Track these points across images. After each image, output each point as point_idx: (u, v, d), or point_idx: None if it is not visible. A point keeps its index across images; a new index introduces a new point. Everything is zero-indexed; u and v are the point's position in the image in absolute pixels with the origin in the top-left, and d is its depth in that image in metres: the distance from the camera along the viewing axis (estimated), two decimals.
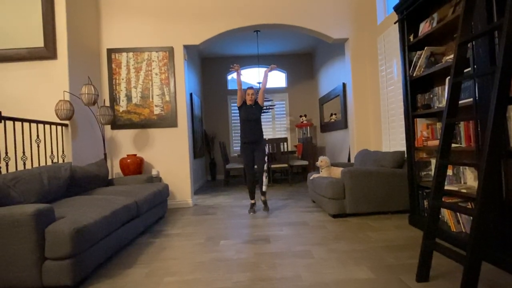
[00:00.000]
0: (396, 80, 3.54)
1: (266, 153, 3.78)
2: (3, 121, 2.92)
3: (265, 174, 3.67)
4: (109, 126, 4.10)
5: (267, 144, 5.67)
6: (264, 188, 3.62)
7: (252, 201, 3.67)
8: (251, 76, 8.73)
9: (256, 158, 3.58)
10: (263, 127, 7.71)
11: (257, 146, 3.59)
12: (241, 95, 3.58)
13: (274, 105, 7.08)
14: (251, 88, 3.57)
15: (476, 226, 1.49)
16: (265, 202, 3.68)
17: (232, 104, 7.78)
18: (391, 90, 3.66)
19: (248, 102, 3.63)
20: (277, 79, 8.13)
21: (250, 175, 3.63)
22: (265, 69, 3.72)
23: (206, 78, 7.72)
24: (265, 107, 6.43)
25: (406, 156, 2.89)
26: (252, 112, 3.60)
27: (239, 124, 3.63)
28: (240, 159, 7.34)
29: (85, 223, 1.88)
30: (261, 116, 3.67)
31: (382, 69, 3.86)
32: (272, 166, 5.63)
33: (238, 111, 3.70)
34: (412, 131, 2.71)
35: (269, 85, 7.96)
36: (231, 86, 7.99)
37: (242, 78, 8.95)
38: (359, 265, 1.98)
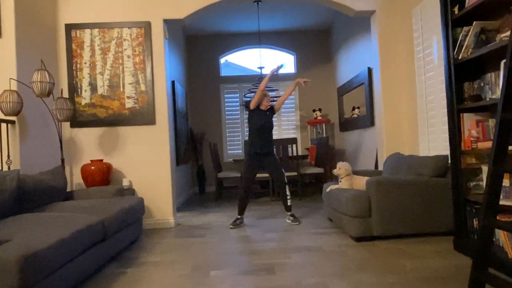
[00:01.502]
0: (437, 64, 3.54)
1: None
2: None
3: (287, 187, 3.99)
4: (68, 124, 4.11)
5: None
6: (289, 202, 4.01)
7: (239, 216, 3.99)
8: (251, 59, 8.76)
9: (272, 171, 3.99)
10: None
11: (267, 158, 3.98)
12: (260, 98, 3.94)
13: (280, 96, 7.08)
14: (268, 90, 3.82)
15: None
16: (293, 216, 4.02)
17: (226, 96, 7.80)
18: (430, 77, 3.66)
19: (263, 107, 3.97)
20: (284, 63, 8.14)
21: (245, 191, 3.96)
22: (300, 79, 4.00)
23: (193, 62, 7.75)
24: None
25: (450, 161, 2.88)
26: (268, 119, 3.98)
27: (248, 130, 4.02)
28: (237, 166, 7.35)
29: (36, 248, 1.88)
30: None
31: (419, 50, 3.87)
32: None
33: (248, 114, 4.03)
34: (457, 130, 2.71)
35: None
36: (225, 72, 8.02)
37: (242, 62, 9.00)
38: None
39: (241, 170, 6.26)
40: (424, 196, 3.12)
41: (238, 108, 7.77)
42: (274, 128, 7.69)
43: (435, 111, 3.60)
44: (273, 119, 4.06)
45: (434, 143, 3.63)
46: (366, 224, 3.12)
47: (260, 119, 3.96)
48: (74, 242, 2.20)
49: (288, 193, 4.02)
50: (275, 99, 6.54)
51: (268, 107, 4.02)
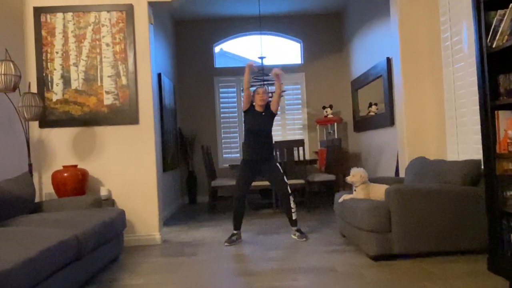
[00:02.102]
0: (467, 53, 3.54)
1: (282, 170, 4.13)
2: None
3: (292, 199, 4.02)
4: (36, 123, 4.11)
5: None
6: (294, 216, 4.02)
7: (235, 232, 4.02)
8: (250, 47, 8.78)
9: (272, 180, 4.04)
10: None
11: (265, 165, 4.01)
12: (248, 95, 3.99)
13: (284, 91, 7.10)
14: (261, 86, 3.81)
15: None
16: (299, 231, 4.03)
17: (222, 89, 7.80)
18: (460, 69, 3.66)
19: (258, 107, 3.98)
20: (289, 52, 8.17)
21: (240, 200, 3.98)
22: (273, 69, 3.99)
23: (183, 52, 7.76)
24: (270, 98, 6.41)
25: (483, 167, 2.87)
26: (263, 121, 3.96)
27: (244, 134, 4.09)
28: (233, 173, 7.34)
29: None
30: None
31: (446, 37, 3.86)
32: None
33: (243, 114, 4.09)
34: (491, 130, 2.70)
35: (278, 61, 8.00)
36: (219, 63, 8.03)
37: (240, 52, 9.00)
38: None
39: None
40: (453, 208, 3.11)
41: (235, 105, 7.77)
42: (277, 128, 7.70)
43: (465, 109, 3.60)
44: (273, 120, 4.04)
45: (464, 145, 3.62)
46: (386, 241, 3.10)
47: (253, 120, 3.98)
48: (43, 262, 2.19)
49: (293, 205, 4.03)
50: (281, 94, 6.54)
51: (264, 106, 3.99)
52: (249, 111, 4.02)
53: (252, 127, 3.97)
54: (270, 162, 4.03)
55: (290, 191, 4.04)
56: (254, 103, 4.03)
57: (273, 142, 4.13)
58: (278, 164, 4.10)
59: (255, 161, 4.00)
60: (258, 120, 3.97)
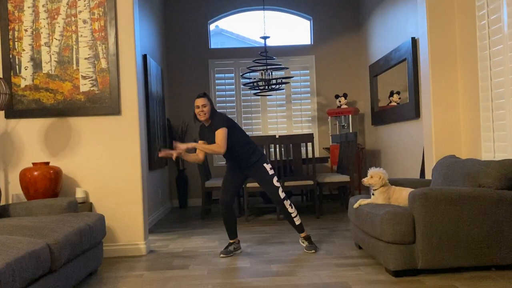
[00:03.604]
0: (507, 34, 3.52)
1: (271, 171, 4.03)
2: None
3: (288, 202, 4.00)
4: (1, 113, 4.09)
5: (277, 146, 5.68)
6: (297, 221, 4.00)
7: (231, 241, 4.05)
8: (251, 25, 8.74)
9: (261, 185, 4.06)
10: (269, 114, 7.77)
11: (250, 171, 4.03)
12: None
13: (291, 77, 7.08)
14: (202, 96, 3.87)
15: None
16: (307, 239, 4.04)
17: (218, 75, 7.79)
18: (498, 52, 3.64)
19: (201, 119, 3.93)
20: (297, 31, 8.13)
21: (225, 206, 4.02)
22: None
23: (172, 30, 7.74)
24: (274, 85, 6.42)
25: None
26: (210, 135, 3.92)
27: None
28: None
29: None
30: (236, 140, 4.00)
31: (482, 14, 3.84)
32: (286, 184, 5.62)
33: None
34: None
35: (285, 41, 7.96)
36: (215, 43, 8.01)
37: (239, 30, 8.94)
38: None
39: None
40: (487, 215, 3.08)
41: (233, 92, 7.75)
42: (282, 120, 7.70)
43: (504, 99, 3.58)
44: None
45: (502, 142, 3.61)
46: (409, 253, 3.09)
47: (204, 136, 4.03)
48: (11, 275, 2.18)
49: (291, 210, 3.98)
50: (283, 80, 6.53)
51: (207, 118, 3.91)
52: (200, 127, 4.08)
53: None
54: (254, 167, 4.00)
55: (283, 195, 3.98)
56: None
57: (249, 148, 3.98)
58: (265, 165, 4.00)
59: (236, 168, 4.06)
60: (208, 135, 3.96)
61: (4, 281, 2.13)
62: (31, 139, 4.12)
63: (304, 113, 7.79)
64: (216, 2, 7.72)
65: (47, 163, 3.93)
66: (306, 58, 7.80)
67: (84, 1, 4.11)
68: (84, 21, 4.12)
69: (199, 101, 3.87)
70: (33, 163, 3.88)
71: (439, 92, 4.27)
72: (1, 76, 4.01)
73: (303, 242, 4.05)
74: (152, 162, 5.90)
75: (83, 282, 3.29)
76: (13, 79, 4.09)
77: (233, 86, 7.78)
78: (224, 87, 7.80)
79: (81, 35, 4.12)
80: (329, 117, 7.50)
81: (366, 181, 3.66)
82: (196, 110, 3.88)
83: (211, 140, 3.90)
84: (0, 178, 4.06)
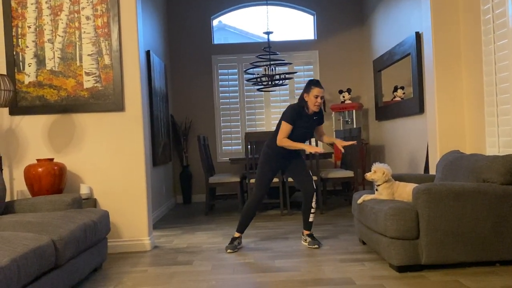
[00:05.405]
0: (511, 28, 3.51)
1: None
2: None
3: (314, 196, 4.07)
4: (6, 110, 4.11)
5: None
6: (311, 218, 4.05)
7: (237, 234, 4.07)
8: (255, 21, 8.72)
9: (299, 176, 4.08)
10: (272, 110, 7.84)
11: (294, 160, 4.10)
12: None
13: (295, 73, 7.07)
14: (322, 87, 3.85)
15: None
16: (311, 236, 4.07)
17: (221, 70, 7.78)
18: (502, 47, 3.63)
19: (313, 109, 3.95)
20: (301, 26, 8.11)
21: (257, 201, 4.04)
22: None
23: (175, 25, 7.73)
24: (277, 80, 6.41)
25: None
26: (312, 124, 4.08)
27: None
28: (234, 168, 7.34)
29: None
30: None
31: (487, 8, 3.82)
32: (290, 179, 5.62)
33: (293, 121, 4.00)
34: None
35: (288, 37, 7.95)
36: (218, 39, 8.00)
37: (242, 25, 8.93)
38: None
39: (241, 174, 6.30)
40: (491, 210, 3.09)
41: (237, 88, 7.75)
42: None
43: (508, 94, 3.57)
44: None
45: (507, 137, 3.61)
46: (412, 249, 3.10)
47: (303, 124, 4.03)
48: (16, 271, 2.20)
49: (314, 205, 4.05)
50: (286, 75, 6.52)
51: (318, 108, 3.97)
52: (298, 113, 4.02)
53: (302, 131, 4.07)
54: (299, 157, 4.16)
55: (315, 187, 4.09)
56: (306, 107, 3.96)
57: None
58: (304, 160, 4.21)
59: (286, 158, 4.09)
60: (309, 123, 4.08)
61: (9, 277, 2.15)
62: (35, 135, 4.14)
63: None
64: None
65: (52, 159, 3.95)
66: (309, 53, 7.79)
67: None
68: (87, 18, 4.13)
69: (321, 92, 3.85)
70: (38, 160, 3.90)
71: (443, 87, 4.26)
72: (5, 73, 4.03)
73: (305, 240, 4.08)
74: (156, 158, 5.91)
75: (87, 278, 3.31)
76: (17, 76, 4.11)
77: (237, 82, 7.77)
78: (227, 82, 7.79)
79: (84, 32, 4.13)
80: (333, 112, 7.49)
81: (369, 176, 3.67)
82: (314, 100, 3.85)
83: (307, 126, 4.02)
84: (5, 175, 4.08)
